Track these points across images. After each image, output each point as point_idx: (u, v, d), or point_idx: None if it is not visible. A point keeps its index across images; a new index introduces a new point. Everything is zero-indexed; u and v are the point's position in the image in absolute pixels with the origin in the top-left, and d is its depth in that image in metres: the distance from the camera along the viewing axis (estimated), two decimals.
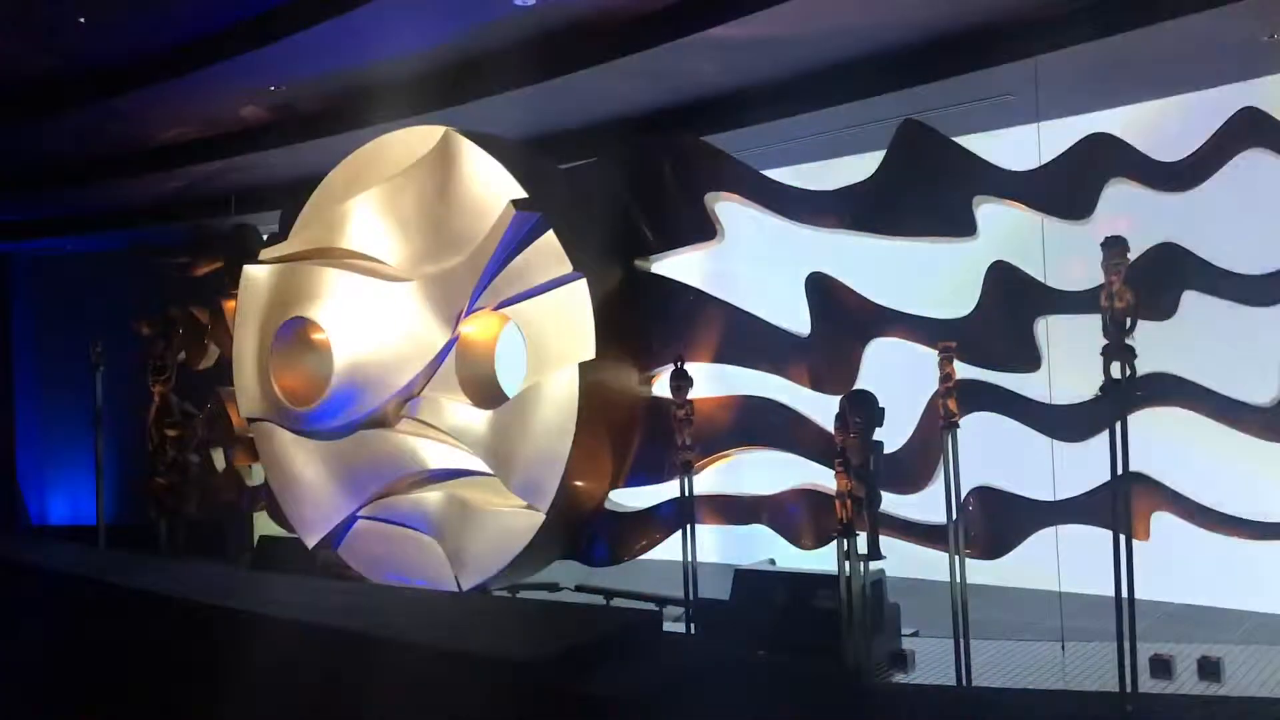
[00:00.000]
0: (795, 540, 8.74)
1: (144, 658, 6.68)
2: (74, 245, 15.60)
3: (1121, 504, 6.53)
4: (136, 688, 6.63)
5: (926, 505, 8.03)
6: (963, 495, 7.40)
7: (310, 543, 9.94)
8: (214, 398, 12.11)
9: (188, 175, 12.74)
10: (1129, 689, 6.49)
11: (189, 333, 12.35)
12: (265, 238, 11.74)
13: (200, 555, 11.70)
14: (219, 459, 12.24)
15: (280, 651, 5.76)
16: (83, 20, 9.44)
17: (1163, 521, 7.50)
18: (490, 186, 8.84)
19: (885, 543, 7.21)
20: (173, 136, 12.09)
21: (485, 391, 9.47)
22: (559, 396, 8.64)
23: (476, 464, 9.08)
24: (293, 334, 9.87)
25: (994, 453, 8.13)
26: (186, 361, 12.31)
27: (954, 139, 8.24)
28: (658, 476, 9.11)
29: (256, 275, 10.21)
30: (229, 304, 11.65)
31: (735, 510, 9.10)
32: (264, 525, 12.36)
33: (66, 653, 7.16)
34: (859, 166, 8.72)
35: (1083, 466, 7.62)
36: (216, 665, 6.08)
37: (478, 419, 9.05)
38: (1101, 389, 6.61)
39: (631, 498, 9.46)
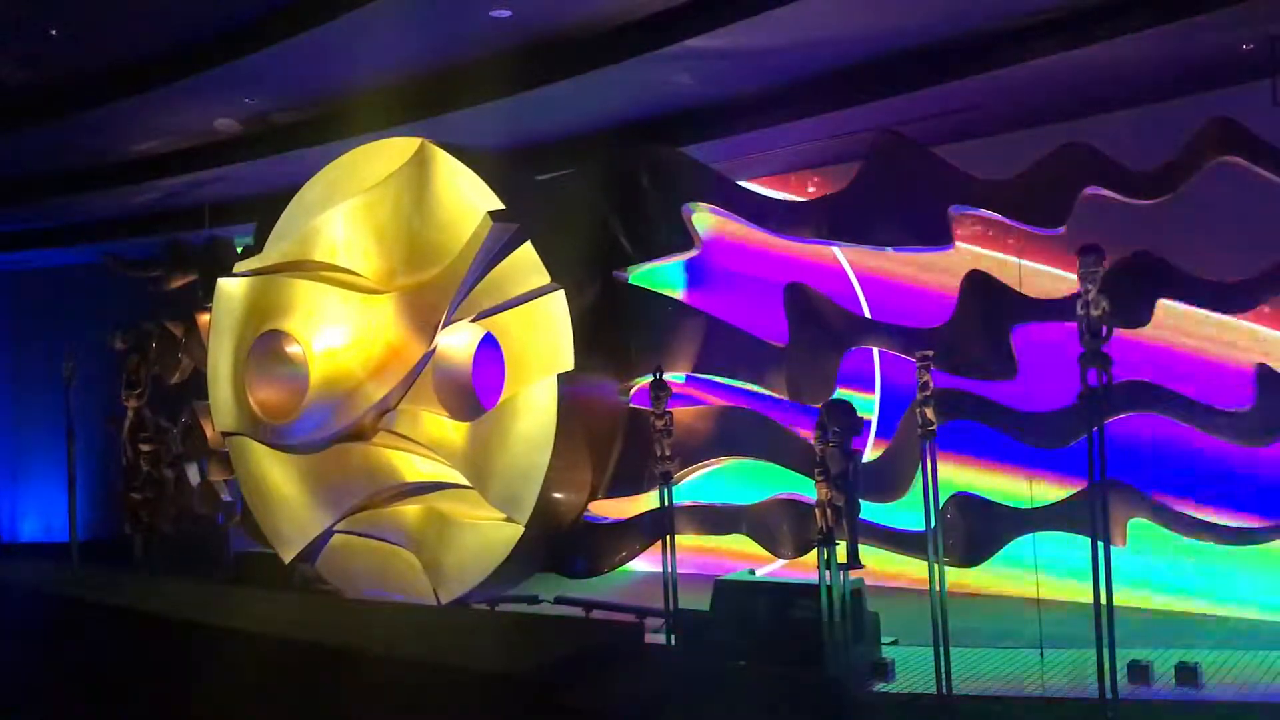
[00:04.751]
0: (775, 550, 8.73)
1: (120, 676, 6.61)
2: (46, 258, 15.45)
3: (1099, 510, 6.56)
4: (112, 706, 6.55)
5: (905, 513, 8.04)
6: (941, 503, 7.41)
7: (287, 557, 9.86)
8: (188, 412, 12.01)
9: (161, 188, 12.64)
10: (1108, 695, 6.50)
11: (163, 347, 12.24)
12: (240, 250, 11.66)
13: (176, 571, 11.58)
14: (194, 474, 12.13)
15: (258, 667, 5.71)
16: (54, 33, 9.36)
17: (1139, 527, 7.54)
18: (467, 198, 8.81)
19: (864, 551, 7.20)
20: (146, 149, 12.00)
21: (463, 404, 9.43)
22: (537, 408, 8.61)
23: (454, 477, 9.03)
24: (268, 347, 9.79)
25: (971, 460, 8.16)
26: (160, 376, 12.21)
27: (930, 149, 8.28)
28: (637, 487, 9.09)
29: (231, 288, 10.13)
30: (203, 317, 11.56)
31: (715, 520, 9.08)
32: (242, 540, 12.26)
33: (40, 672, 7.07)
34: (836, 177, 8.75)
35: (1059, 473, 7.66)
36: (193, 682, 6.03)
37: (455, 431, 9.00)
38: (1078, 396, 6.64)
39: (611, 509, 9.43)
